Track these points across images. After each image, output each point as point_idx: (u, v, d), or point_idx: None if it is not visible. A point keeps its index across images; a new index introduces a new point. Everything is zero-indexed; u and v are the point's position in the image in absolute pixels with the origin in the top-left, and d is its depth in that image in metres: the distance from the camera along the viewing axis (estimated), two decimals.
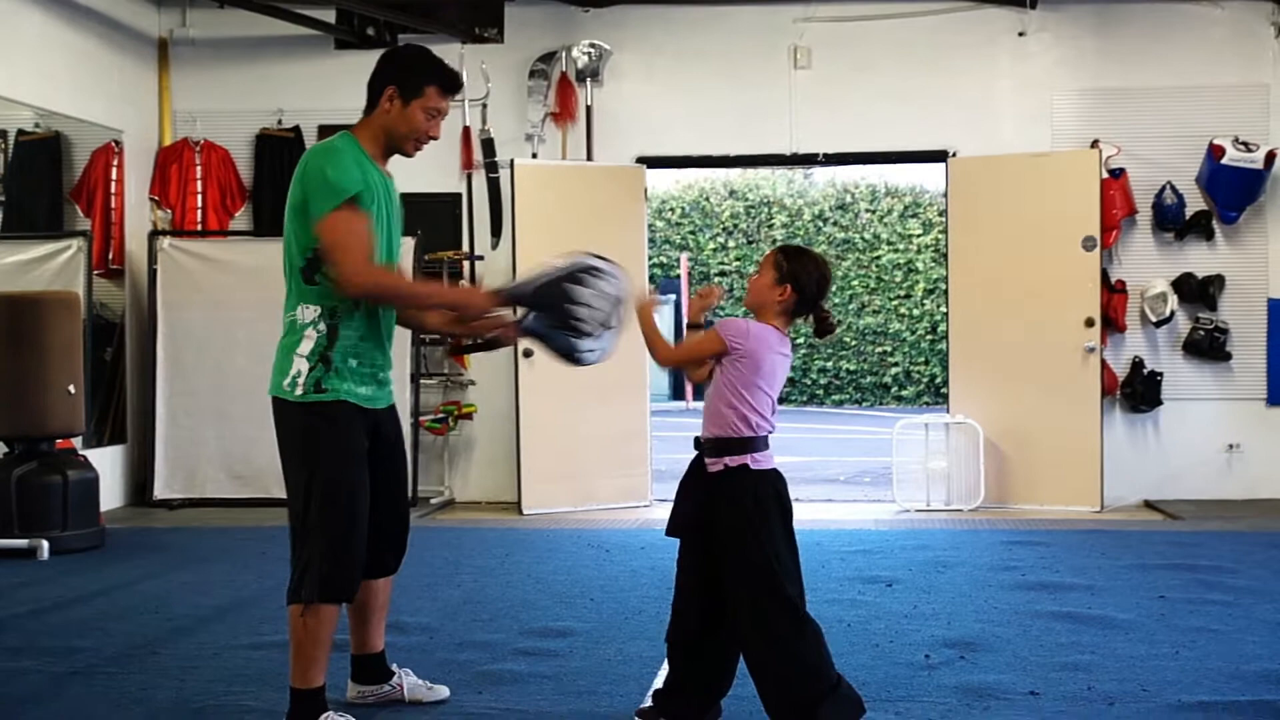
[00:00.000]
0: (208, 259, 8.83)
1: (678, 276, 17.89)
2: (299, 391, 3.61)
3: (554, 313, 3.64)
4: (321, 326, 3.63)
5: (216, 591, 5.84)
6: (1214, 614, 5.21)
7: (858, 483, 10.13)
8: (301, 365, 3.61)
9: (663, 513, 8.10)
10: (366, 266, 3.59)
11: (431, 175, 8.64)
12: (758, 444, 3.64)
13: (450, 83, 3.81)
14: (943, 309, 12.15)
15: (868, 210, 18.21)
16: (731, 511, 3.61)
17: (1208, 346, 8.60)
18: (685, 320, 3.82)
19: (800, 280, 3.68)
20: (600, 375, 8.30)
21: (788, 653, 3.55)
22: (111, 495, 8.31)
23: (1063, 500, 8.26)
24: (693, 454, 3.73)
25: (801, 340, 16.11)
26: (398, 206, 3.88)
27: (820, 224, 18.24)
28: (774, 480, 3.67)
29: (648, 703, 3.91)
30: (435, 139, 3.86)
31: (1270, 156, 8.35)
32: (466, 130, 8.90)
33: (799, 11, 8.85)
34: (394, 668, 4.09)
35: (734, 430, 3.63)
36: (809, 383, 18.30)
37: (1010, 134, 8.75)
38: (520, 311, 3.74)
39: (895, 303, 18.00)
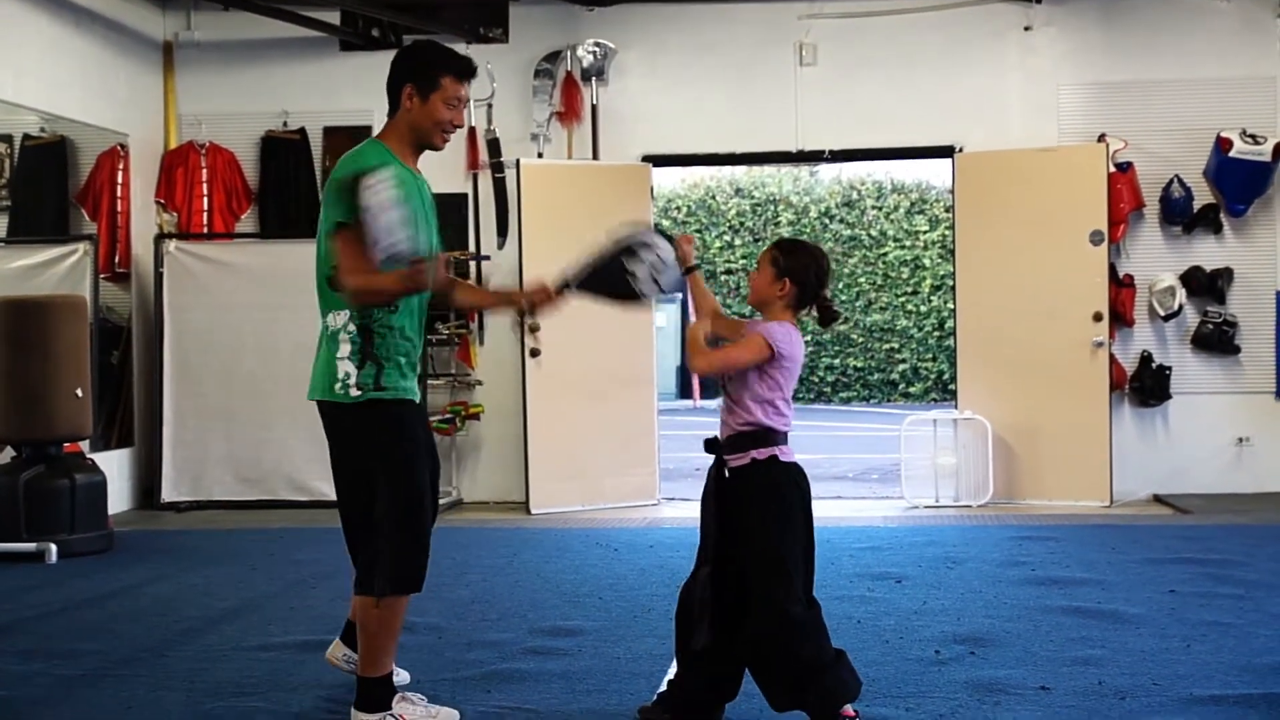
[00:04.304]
0: (214, 262, 8.83)
1: None
2: (355, 392, 3.65)
3: (611, 285, 3.80)
4: (351, 328, 3.67)
5: (224, 594, 5.85)
6: (1225, 608, 5.20)
7: (866, 480, 10.12)
8: (348, 368, 3.65)
9: (671, 511, 8.18)
10: (359, 269, 3.57)
11: (437, 175, 8.39)
12: (783, 437, 3.67)
13: (464, 69, 3.87)
14: (950, 305, 12.13)
15: (874, 207, 18.18)
16: (756, 503, 3.61)
17: (1216, 340, 8.58)
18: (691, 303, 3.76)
19: (798, 274, 3.72)
20: (608, 374, 8.41)
21: (787, 621, 3.53)
22: (119, 498, 8.32)
23: (1072, 495, 8.24)
24: (700, 454, 3.73)
25: (809, 338, 16.09)
26: (431, 203, 3.95)
27: (826, 221, 18.22)
28: (798, 474, 3.70)
29: (654, 700, 3.90)
30: (460, 126, 3.95)
31: (1278, 149, 8.32)
32: (472, 130, 8.90)
33: (804, 8, 8.84)
34: None
35: (763, 424, 3.64)
36: (816, 380, 18.27)
37: (1017, 129, 8.73)
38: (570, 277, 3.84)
39: (902, 299, 17.96)
